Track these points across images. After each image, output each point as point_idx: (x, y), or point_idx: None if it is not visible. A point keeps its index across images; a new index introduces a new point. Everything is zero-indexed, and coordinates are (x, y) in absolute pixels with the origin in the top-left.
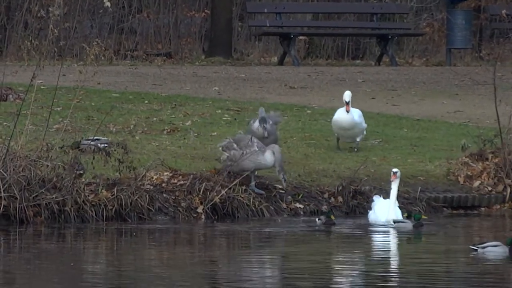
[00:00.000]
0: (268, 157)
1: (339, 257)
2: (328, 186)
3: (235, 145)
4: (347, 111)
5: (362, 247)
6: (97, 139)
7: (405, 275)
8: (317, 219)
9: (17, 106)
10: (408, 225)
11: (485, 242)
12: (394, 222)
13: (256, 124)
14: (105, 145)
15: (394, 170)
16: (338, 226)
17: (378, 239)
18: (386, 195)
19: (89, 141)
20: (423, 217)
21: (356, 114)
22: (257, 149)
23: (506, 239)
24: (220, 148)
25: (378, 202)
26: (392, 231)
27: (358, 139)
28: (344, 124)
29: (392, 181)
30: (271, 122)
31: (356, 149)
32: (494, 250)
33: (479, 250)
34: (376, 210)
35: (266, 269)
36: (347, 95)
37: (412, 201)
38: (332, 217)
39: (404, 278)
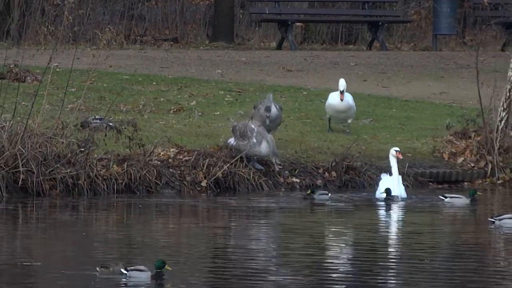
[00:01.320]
0: (263, 148)
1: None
2: (322, 162)
3: (238, 133)
4: (341, 100)
5: (347, 220)
6: (101, 119)
7: (390, 245)
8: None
9: (34, 87)
10: (464, 200)
11: (502, 215)
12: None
13: (263, 109)
14: (110, 124)
15: (396, 148)
16: (332, 200)
17: (365, 212)
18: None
19: (97, 120)
20: (478, 193)
21: (349, 98)
22: (255, 141)
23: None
24: (231, 128)
25: (383, 179)
26: (380, 205)
27: (349, 121)
28: (340, 107)
29: (400, 158)
30: (277, 107)
31: (348, 131)
32: (510, 222)
33: (496, 222)
34: (380, 187)
35: (263, 238)
36: (341, 84)
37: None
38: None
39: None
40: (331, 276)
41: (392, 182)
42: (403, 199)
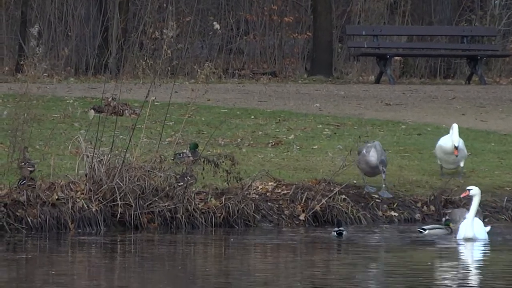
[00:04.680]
0: (372, 155)
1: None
2: (421, 196)
3: (358, 152)
4: (456, 155)
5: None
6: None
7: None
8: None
9: (132, 121)
10: None
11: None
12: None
13: (374, 156)
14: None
15: (470, 187)
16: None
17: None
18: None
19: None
20: None
21: (460, 142)
22: (365, 152)
23: None
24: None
25: (464, 220)
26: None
27: (462, 164)
28: (451, 149)
29: (463, 197)
30: (384, 156)
31: (462, 174)
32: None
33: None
34: (460, 227)
35: (359, 271)
36: (456, 139)
37: (498, 210)
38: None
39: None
40: None
41: (466, 223)
42: (481, 240)
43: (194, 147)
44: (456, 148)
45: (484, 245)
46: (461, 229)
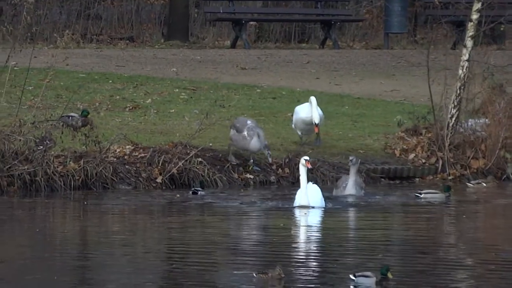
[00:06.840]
0: (253, 143)
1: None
2: (276, 159)
3: (235, 127)
4: (316, 132)
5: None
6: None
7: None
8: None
9: None
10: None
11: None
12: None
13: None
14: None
15: (306, 157)
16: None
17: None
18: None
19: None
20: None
21: (320, 112)
22: (246, 135)
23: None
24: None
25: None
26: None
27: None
28: (310, 119)
29: (308, 167)
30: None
31: (320, 140)
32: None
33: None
34: (296, 196)
35: (211, 233)
36: (316, 117)
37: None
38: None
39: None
40: None
41: (301, 192)
42: (318, 208)
43: (85, 114)
44: (316, 125)
45: (320, 212)
46: (297, 197)
